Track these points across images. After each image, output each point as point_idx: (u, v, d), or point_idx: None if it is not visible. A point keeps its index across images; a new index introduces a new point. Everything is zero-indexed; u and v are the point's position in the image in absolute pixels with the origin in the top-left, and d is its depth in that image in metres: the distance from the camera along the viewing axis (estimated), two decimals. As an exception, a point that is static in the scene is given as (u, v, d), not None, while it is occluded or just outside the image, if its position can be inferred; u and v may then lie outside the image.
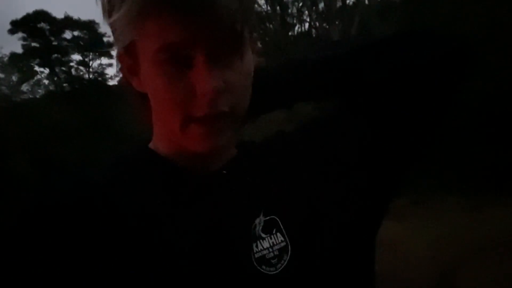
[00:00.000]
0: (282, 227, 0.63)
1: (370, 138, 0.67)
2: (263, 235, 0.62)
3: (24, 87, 21.66)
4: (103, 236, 0.58)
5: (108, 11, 0.58)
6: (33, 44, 21.45)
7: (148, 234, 0.59)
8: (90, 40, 21.30)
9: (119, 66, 0.63)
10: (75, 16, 21.89)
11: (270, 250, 0.61)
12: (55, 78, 22.45)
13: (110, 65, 22.54)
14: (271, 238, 0.62)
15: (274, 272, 0.60)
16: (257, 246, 0.61)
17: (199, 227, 0.60)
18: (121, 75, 0.64)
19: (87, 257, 0.56)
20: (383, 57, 0.67)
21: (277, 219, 0.63)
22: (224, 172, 0.65)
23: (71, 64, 22.57)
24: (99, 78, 22.73)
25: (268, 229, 0.62)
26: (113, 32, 0.59)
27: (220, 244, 0.60)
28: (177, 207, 0.61)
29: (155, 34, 0.54)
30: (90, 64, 22.81)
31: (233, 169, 0.66)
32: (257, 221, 0.62)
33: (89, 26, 20.63)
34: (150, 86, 0.60)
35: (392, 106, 0.66)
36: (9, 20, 20.56)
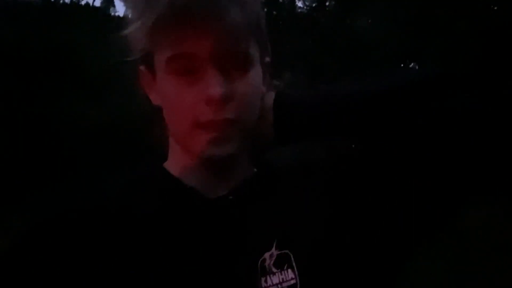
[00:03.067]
0: (294, 263, 0.61)
1: (400, 182, 0.62)
2: (274, 270, 0.60)
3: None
4: (104, 256, 0.58)
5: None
6: None
7: (148, 258, 0.59)
8: None
9: (139, 80, 0.66)
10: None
11: (279, 286, 0.60)
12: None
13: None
14: (281, 274, 0.60)
15: None
16: (266, 281, 0.60)
17: (203, 257, 0.60)
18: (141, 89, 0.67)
19: (91, 273, 0.57)
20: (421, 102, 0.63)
21: (290, 254, 0.61)
22: (231, 197, 0.64)
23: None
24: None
25: (280, 264, 0.61)
26: (129, 44, 0.61)
27: (222, 277, 0.59)
28: (181, 234, 0.61)
29: (168, 45, 0.58)
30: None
31: (245, 194, 0.64)
32: (267, 254, 0.61)
33: None
34: (163, 96, 0.62)
35: (424, 154, 0.62)
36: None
